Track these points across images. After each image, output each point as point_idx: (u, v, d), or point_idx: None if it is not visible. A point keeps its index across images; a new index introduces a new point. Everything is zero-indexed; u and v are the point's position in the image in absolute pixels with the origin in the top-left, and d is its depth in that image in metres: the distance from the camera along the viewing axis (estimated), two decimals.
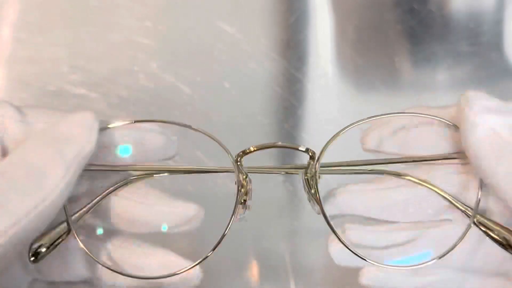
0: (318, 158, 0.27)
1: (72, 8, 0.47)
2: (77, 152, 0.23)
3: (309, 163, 0.27)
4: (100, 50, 0.45)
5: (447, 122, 0.28)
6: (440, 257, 0.27)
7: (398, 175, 0.30)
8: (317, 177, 0.27)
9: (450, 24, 0.47)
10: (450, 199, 0.28)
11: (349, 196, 0.28)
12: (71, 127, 0.23)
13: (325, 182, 0.27)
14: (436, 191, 0.28)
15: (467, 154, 0.26)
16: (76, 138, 0.23)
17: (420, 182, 0.28)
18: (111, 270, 0.26)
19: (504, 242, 0.27)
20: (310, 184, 0.27)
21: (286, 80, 0.45)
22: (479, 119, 0.25)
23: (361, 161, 0.29)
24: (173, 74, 0.45)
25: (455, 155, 0.28)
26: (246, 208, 0.27)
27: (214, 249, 0.26)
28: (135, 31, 0.46)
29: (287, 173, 0.28)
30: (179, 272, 0.26)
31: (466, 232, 0.27)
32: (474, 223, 0.27)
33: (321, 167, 0.27)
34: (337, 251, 0.28)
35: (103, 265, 0.26)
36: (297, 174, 0.29)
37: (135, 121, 0.27)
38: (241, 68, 0.45)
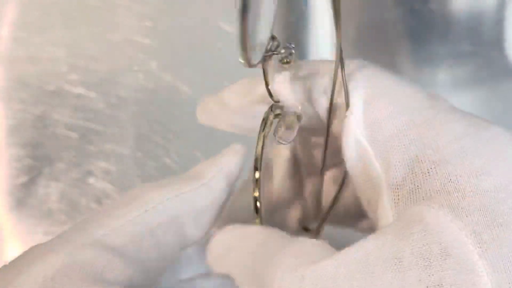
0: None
1: (72, 8, 0.47)
2: None
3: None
4: (100, 50, 0.45)
5: None
6: None
7: None
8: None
9: (451, 24, 0.47)
10: None
11: None
12: None
13: None
14: None
15: None
16: None
17: None
18: None
19: None
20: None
21: None
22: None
23: None
24: (173, 74, 0.44)
25: None
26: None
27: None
28: (135, 31, 0.46)
29: None
30: None
31: None
32: None
33: None
34: None
35: None
36: None
37: None
38: (241, 68, 0.45)
